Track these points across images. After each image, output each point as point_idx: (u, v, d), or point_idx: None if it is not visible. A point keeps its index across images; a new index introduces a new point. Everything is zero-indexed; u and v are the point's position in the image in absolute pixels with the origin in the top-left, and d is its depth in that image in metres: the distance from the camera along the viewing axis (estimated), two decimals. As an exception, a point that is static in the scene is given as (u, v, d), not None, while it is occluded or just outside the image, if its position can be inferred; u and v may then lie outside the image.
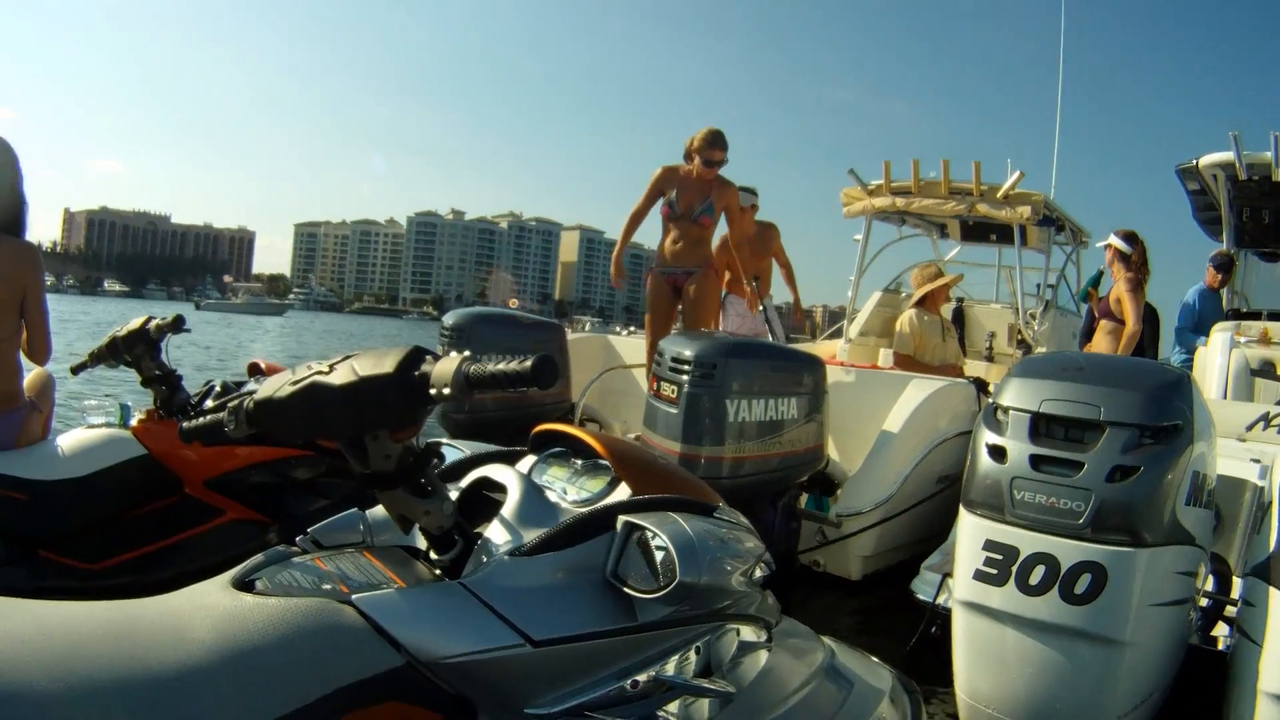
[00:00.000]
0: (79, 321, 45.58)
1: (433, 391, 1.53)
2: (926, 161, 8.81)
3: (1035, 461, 3.30)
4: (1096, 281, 9.43)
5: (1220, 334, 7.94)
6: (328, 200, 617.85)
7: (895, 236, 10.69)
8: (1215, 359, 7.75)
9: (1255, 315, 8.70)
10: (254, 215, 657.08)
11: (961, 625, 3.51)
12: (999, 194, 8.67)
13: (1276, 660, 2.97)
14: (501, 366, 1.52)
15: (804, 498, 6.11)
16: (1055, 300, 9.88)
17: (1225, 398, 7.44)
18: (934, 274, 8.46)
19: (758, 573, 2.28)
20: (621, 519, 1.96)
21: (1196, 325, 9.12)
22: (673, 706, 2.01)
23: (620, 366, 7.82)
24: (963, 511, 3.49)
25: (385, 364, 1.57)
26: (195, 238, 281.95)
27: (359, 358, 1.63)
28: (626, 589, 1.89)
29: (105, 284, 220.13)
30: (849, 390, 6.89)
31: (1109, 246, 7.59)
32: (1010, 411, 3.45)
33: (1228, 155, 7.94)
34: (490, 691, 1.66)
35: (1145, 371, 3.62)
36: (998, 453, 3.40)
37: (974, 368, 8.75)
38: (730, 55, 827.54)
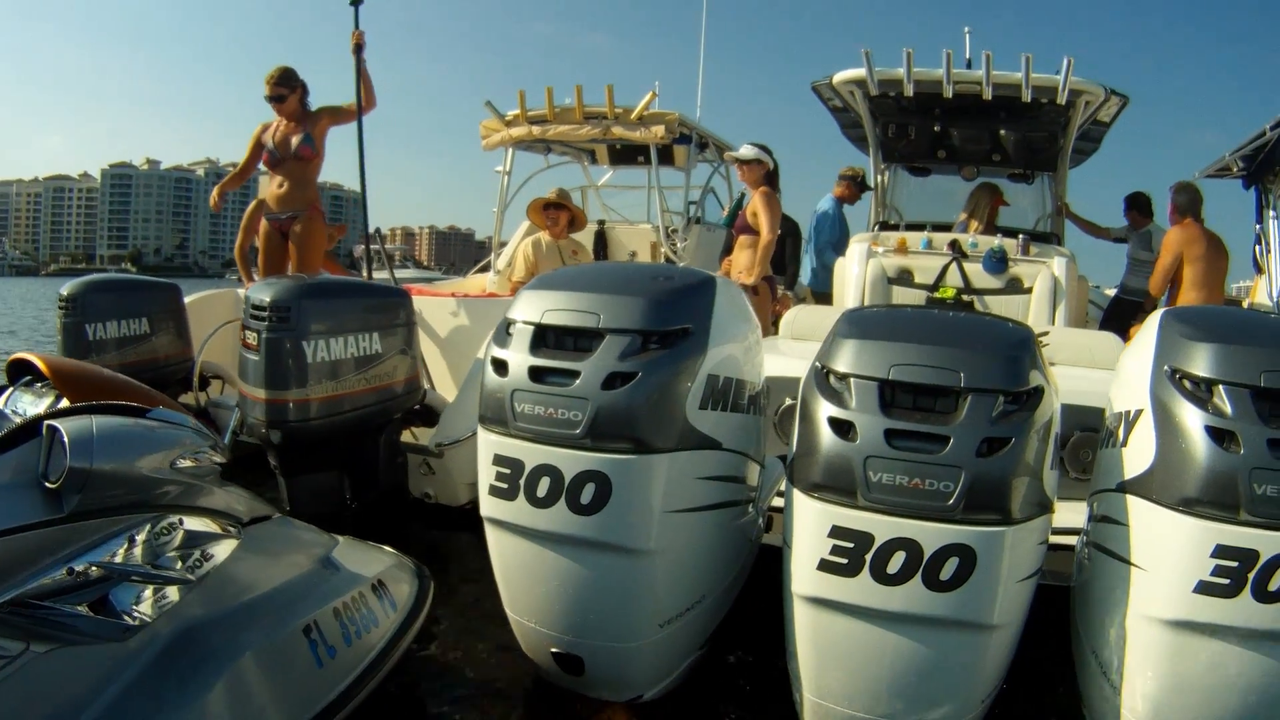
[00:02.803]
0: None
1: None
2: (627, 89, 8.86)
3: (535, 373, 3.22)
4: (742, 202, 9.56)
5: (857, 245, 8.19)
6: (19, 157, 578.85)
7: (543, 165, 10.68)
8: (852, 269, 8.00)
9: (894, 227, 8.91)
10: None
11: (492, 543, 3.48)
12: (633, 115, 8.81)
13: (801, 562, 2.93)
14: None
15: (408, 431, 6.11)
16: (702, 216, 10.11)
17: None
18: (540, 204, 8.59)
19: (186, 463, 2.59)
20: (47, 424, 2.19)
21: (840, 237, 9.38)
22: (145, 606, 2.30)
23: (235, 321, 7.51)
24: (479, 428, 3.40)
25: None
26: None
27: None
28: (48, 484, 2.12)
29: None
30: (456, 321, 7.02)
31: (738, 162, 7.59)
32: (515, 325, 3.37)
33: (860, 72, 7.95)
34: None
35: (658, 277, 3.54)
36: (501, 367, 3.32)
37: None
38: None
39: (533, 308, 3.33)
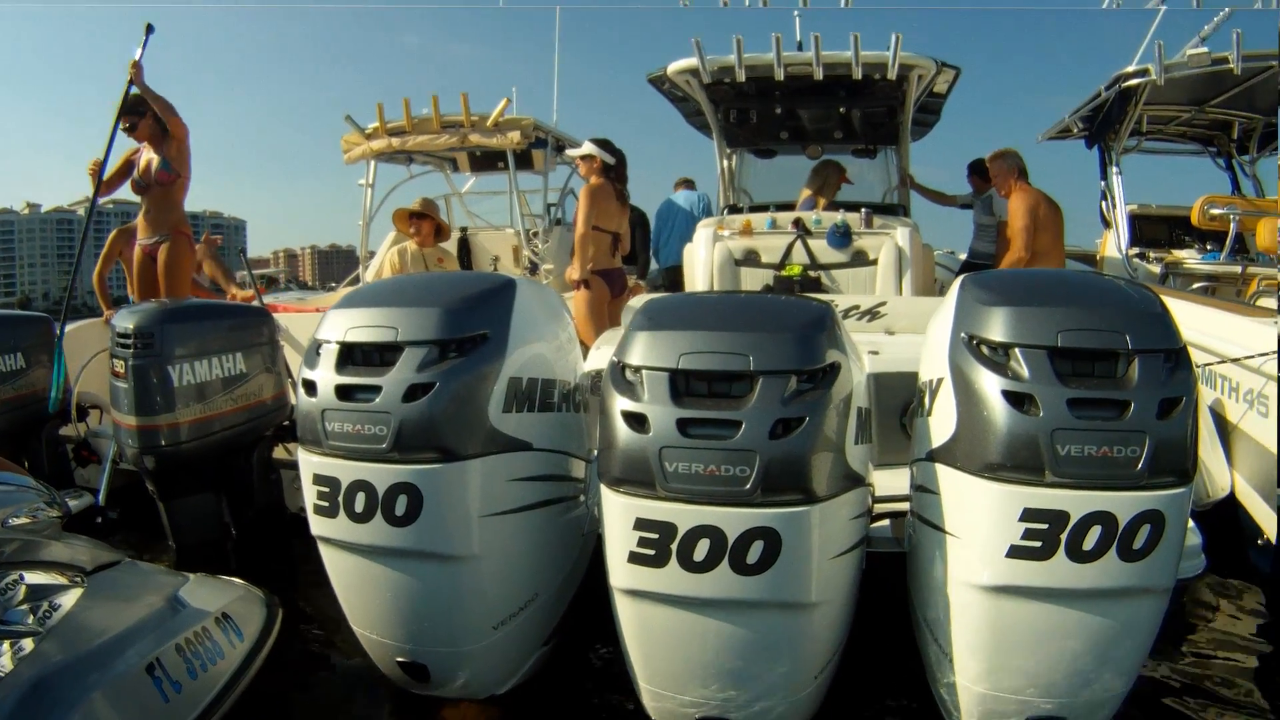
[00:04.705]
0: None
1: None
2: (491, 96, 8.96)
3: (342, 391, 3.23)
4: None
5: (703, 230, 8.30)
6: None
7: (405, 176, 10.70)
8: (699, 254, 8.12)
9: (738, 210, 9.04)
10: None
11: (326, 560, 3.47)
12: (489, 123, 8.88)
13: (614, 555, 2.95)
14: None
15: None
16: (562, 218, 10.13)
17: (713, 289, 7.73)
18: (405, 213, 8.59)
19: (20, 520, 2.86)
20: None
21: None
22: (2, 659, 2.42)
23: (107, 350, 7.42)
24: (299, 449, 3.40)
25: None
26: None
27: None
28: None
29: None
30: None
31: (576, 160, 7.64)
32: (324, 345, 3.35)
33: (692, 61, 8.05)
34: None
35: (449, 287, 3.54)
36: (310, 387, 3.31)
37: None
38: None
39: (338, 327, 3.33)
